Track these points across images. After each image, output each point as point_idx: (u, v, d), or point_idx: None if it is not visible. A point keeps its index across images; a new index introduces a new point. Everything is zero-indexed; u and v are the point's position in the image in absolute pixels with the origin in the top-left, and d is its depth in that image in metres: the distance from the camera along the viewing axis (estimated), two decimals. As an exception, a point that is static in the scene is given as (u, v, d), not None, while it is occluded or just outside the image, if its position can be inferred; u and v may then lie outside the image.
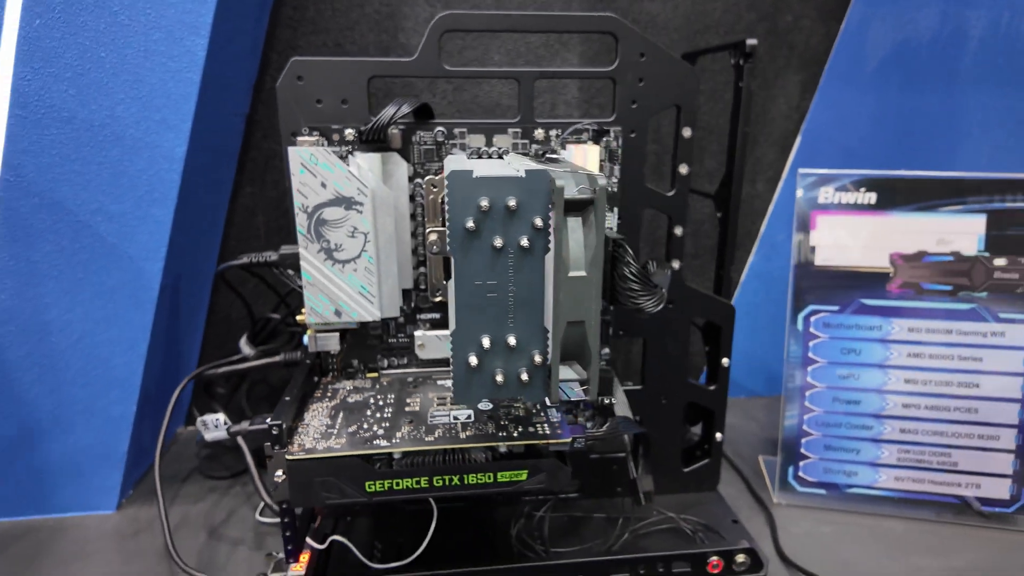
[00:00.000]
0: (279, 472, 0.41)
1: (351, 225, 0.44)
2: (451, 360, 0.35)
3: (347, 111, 0.47)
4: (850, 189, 0.59)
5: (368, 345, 0.52)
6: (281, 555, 0.51)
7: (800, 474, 0.63)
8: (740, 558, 0.50)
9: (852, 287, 0.60)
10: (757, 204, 0.79)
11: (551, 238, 0.34)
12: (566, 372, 0.36)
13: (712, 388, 0.59)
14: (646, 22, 0.71)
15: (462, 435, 0.42)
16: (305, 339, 0.48)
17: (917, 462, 0.60)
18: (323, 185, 0.44)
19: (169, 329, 0.63)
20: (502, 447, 0.42)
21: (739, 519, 0.57)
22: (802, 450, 0.62)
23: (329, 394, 0.49)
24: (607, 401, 0.46)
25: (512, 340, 0.35)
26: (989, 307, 0.58)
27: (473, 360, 0.35)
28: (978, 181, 0.57)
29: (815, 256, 0.60)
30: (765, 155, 0.77)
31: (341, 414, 0.45)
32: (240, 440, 0.58)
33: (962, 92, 0.75)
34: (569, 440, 0.42)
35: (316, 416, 0.45)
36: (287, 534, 0.44)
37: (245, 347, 0.62)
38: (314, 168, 0.43)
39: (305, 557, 0.51)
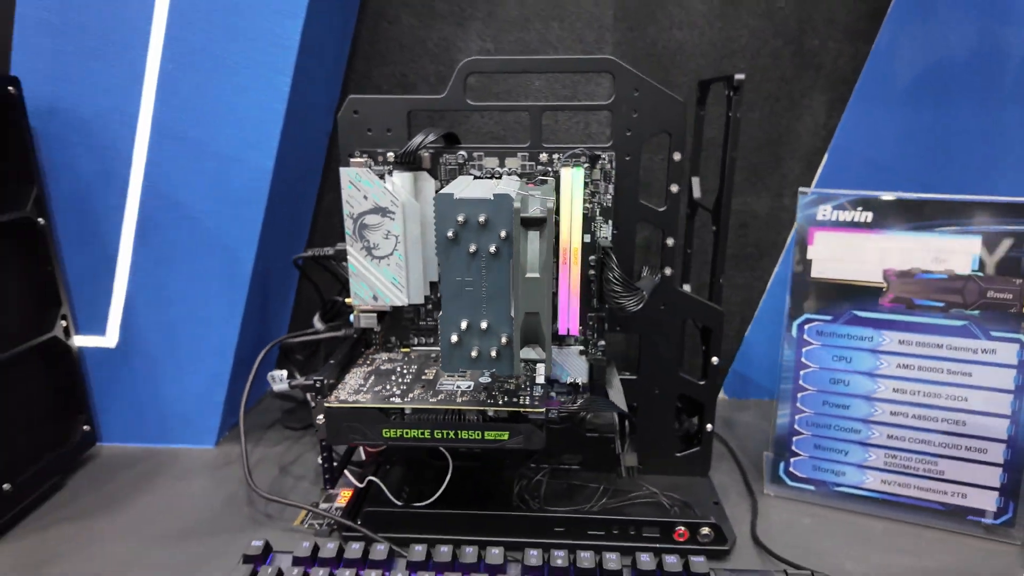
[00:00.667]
0: (320, 416, 0.54)
1: (385, 229, 0.56)
2: (439, 338, 0.46)
3: (390, 138, 0.59)
4: (847, 208, 0.64)
5: (402, 326, 0.64)
6: (332, 490, 0.65)
7: (791, 469, 0.68)
8: (704, 531, 0.57)
9: (845, 299, 0.64)
10: (784, 217, 0.83)
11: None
12: (528, 352, 0.46)
13: (703, 383, 0.65)
14: (674, 49, 0.78)
15: (459, 400, 0.53)
16: (352, 318, 0.61)
17: (904, 468, 0.64)
18: (365, 197, 0.56)
19: (261, 306, 0.78)
20: (489, 412, 0.52)
21: (720, 502, 0.64)
22: (793, 447, 0.67)
23: (368, 362, 0.61)
24: (577, 380, 0.55)
25: (484, 324, 0.45)
26: (981, 325, 0.60)
27: (454, 338, 0.45)
28: (974, 203, 0.60)
29: (811, 268, 0.65)
30: (791, 170, 0.82)
31: (372, 377, 0.57)
32: (310, 398, 0.73)
33: (1001, 111, 0.75)
34: (543, 411, 0.51)
35: (354, 377, 0.58)
36: (325, 465, 0.57)
37: (317, 323, 0.76)
38: (358, 184, 0.55)
39: (348, 492, 0.64)
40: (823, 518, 0.64)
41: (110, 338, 0.74)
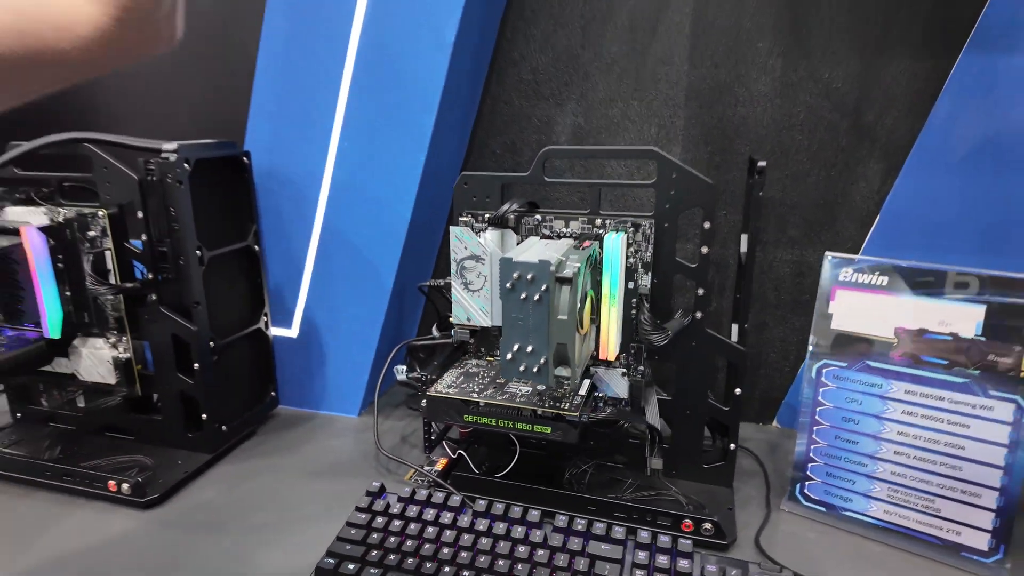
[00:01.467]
0: (424, 401, 0.76)
1: (478, 271, 0.77)
2: (500, 354, 0.66)
3: (488, 203, 0.80)
4: (866, 272, 0.74)
5: (489, 340, 0.84)
6: (430, 455, 0.87)
7: (805, 491, 0.79)
8: (707, 526, 0.72)
9: (859, 349, 0.74)
10: (837, 270, 0.93)
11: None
12: (560, 371, 0.64)
13: (727, 409, 0.79)
14: (738, 123, 0.91)
15: (518, 400, 0.72)
16: (453, 332, 0.83)
17: (904, 502, 0.73)
18: (465, 248, 0.77)
19: (396, 315, 1.03)
20: (538, 411, 0.71)
21: (734, 508, 0.77)
22: (808, 472, 0.78)
23: (462, 366, 0.83)
24: (598, 393, 0.72)
25: (529, 348, 0.64)
26: (981, 384, 0.68)
27: (509, 356, 0.65)
28: (981, 277, 0.68)
29: (831, 320, 0.76)
30: (845, 228, 0.91)
31: (462, 377, 0.79)
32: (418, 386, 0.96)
33: None
34: (577, 415, 0.69)
35: (450, 375, 0.79)
36: (425, 436, 0.79)
37: (435, 331, 0.99)
38: (461, 238, 0.77)
39: (443, 461, 0.86)
40: (827, 535, 0.75)
41: (293, 331, 1.03)
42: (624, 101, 0.95)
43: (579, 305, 0.64)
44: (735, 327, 0.88)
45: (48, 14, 0.41)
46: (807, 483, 0.79)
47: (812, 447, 0.78)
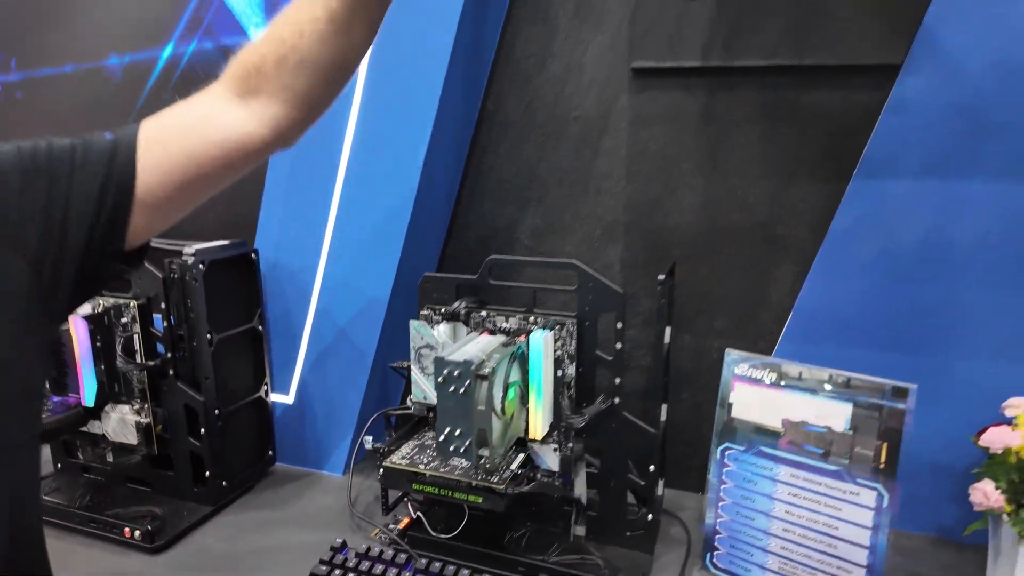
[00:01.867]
0: (381, 470, 0.90)
1: (432, 357, 0.92)
2: (435, 437, 0.80)
3: (446, 299, 0.96)
4: (759, 368, 0.86)
5: (445, 416, 0.98)
6: (390, 516, 1.01)
7: (714, 560, 0.89)
8: (616, 587, 0.83)
9: (754, 436, 0.86)
10: (759, 358, 1.04)
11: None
12: (482, 451, 0.78)
13: (643, 483, 0.90)
14: (671, 228, 1.05)
15: (457, 472, 0.86)
16: (412, 408, 0.98)
17: (792, 574, 0.82)
18: (421, 338, 0.92)
19: (379, 385, 1.18)
20: (473, 483, 0.84)
21: (649, 572, 0.88)
22: (715, 543, 0.89)
23: (420, 438, 0.97)
24: (520, 470, 0.85)
25: (458, 432, 0.78)
26: (850, 472, 0.79)
27: (442, 438, 0.79)
28: (846, 379, 0.79)
29: (732, 410, 0.88)
30: (764, 323, 1.03)
31: (416, 448, 0.93)
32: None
33: (953, 285, 0.91)
34: (503, 487, 0.82)
35: (407, 447, 0.94)
36: (383, 501, 0.93)
37: (409, 401, 1.14)
38: (418, 329, 0.92)
39: (406, 520, 1.00)
40: (728, 601, 0.85)
41: (290, 397, 1.19)
42: (574, 207, 1.10)
43: (500, 395, 0.78)
44: (665, 406, 1.01)
45: (216, 136, 0.45)
46: (715, 553, 0.89)
47: (718, 520, 0.89)
